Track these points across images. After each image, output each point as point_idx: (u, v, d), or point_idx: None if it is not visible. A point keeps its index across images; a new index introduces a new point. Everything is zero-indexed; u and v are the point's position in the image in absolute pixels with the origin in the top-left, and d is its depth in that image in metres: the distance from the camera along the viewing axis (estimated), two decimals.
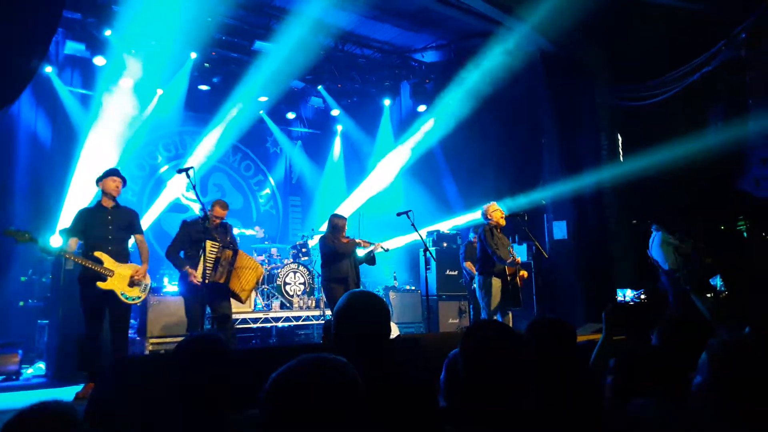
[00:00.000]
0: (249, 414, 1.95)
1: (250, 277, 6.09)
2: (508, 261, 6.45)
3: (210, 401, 2.01)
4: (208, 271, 5.67)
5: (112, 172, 5.66)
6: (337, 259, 6.99)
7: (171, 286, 8.46)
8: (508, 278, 6.52)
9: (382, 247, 7.37)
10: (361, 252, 7.30)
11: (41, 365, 7.16)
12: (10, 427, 1.48)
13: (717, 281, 6.99)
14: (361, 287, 7.56)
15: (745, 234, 8.08)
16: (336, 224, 7.17)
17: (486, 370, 1.76)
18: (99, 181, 5.61)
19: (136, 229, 5.71)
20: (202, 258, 5.63)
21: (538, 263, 8.84)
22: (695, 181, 7.59)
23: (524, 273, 6.77)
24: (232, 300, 6.09)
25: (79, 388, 5.36)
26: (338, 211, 7.80)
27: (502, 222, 6.78)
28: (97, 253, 5.30)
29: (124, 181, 5.70)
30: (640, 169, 7.86)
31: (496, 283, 6.53)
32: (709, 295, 6.88)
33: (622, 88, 8.61)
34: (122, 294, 5.40)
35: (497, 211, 6.79)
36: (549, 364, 2.37)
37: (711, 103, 7.87)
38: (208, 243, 5.73)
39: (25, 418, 1.50)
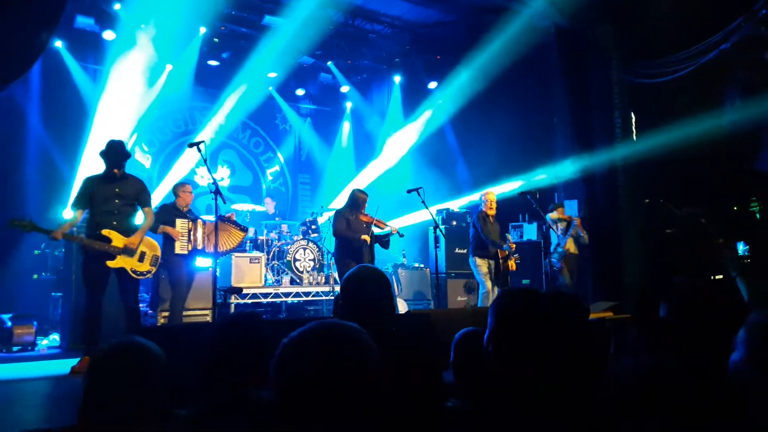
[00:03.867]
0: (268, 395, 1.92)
1: (224, 237, 6.81)
2: (504, 245, 7.51)
3: (240, 379, 1.98)
4: (183, 243, 6.39)
5: (117, 146, 5.45)
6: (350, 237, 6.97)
7: None
8: (501, 261, 7.55)
9: (398, 233, 7.36)
10: (375, 230, 7.27)
11: (55, 336, 7.28)
12: (96, 361, 1.57)
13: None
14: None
15: (757, 215, 8.01)
16: (357, 199, 7.05)
17: (518, 336, 1.75)
18: (103, 154, 5.43)
19: (143, 201, 5.59)
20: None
21: (547, 242, 8.82)
22: (709, 160, 7.50)
23: (512, 264, 7.74)
24: (245, 275, 7.43)
25: None
26: (337, 189, 7.94)
27: (492, 211, 7.70)
28: (104, 232, 5.23)
29: (128, 154, 5.54)
30: (654, 148, 7.76)
31: (485, 263, 7.63)
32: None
33: (636, 65, 8.47)
34: (132, 270, 5.38)
35: (491, 201, 7.71)
36: (562, 337, 2.37)
37: (728, 81, 7.73)
38: (178, 220, 6.43)
39: (109, 353, 1.59)
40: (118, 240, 5.30)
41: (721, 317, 2.05)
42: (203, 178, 11.31)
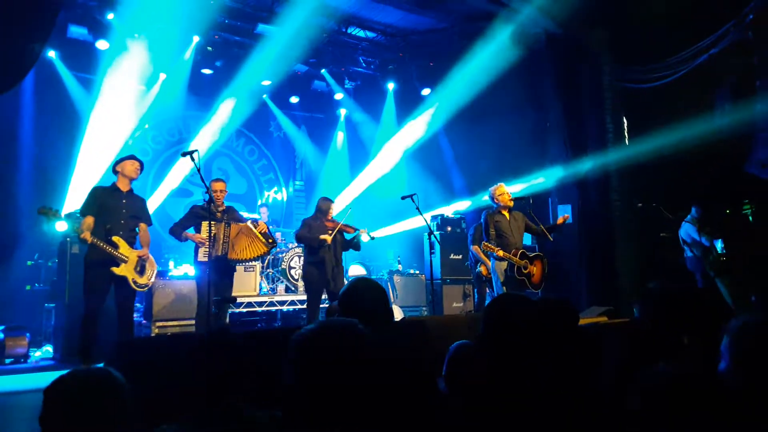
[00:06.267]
0: (262, 413, 1.92)
1: (244, 243, 6.17)
2: (495, 254, 6.51)
3: (214, 391, 1.98)
4: (206, 249, 5.89)
5: (131, 156, 5.75)
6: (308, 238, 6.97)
7: (176, 270, 8.50)
8: (515, 265, 6.62)
9: (369, 235, 7.27)
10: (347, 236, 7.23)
11: (48, 348, 7.24)
12: (52, 390, 1.54)
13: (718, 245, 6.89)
14: (344, 272, 7.50)
15: (750, 218, 8.03)
16: (320, 207, 7.17)
17: (506, 344, 1.77)
18: (117, 164, 5.69)
19: (144, 218, 5.80)
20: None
21: (543, 247, 8.83)
22: (701, 164, 7.53)
23: (536, 266, 6.77)
24: (240, 284, 6.66)
25: None
26: (332, 196, 7.77)
27: (510, 203, 6.88)
28: (115, 238, 5.37)
29: (142, 166, 5.81)
30: (646, 152, 7.80)
31: (501, 265, 6.78)
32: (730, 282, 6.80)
33: (628, 70, 8.52)
34: (133, 281, 5.49)
35: (504, 194, 6.87)
36: (552, 342, 2.38)
37: (718, 85, 7.78)
38: (204, 223, 6.01)
39: (67, 381, 1.56)
40: (125, 248, 5.43)
41: (692, 320, 2.06)
42: (200, 186, 11.27)
